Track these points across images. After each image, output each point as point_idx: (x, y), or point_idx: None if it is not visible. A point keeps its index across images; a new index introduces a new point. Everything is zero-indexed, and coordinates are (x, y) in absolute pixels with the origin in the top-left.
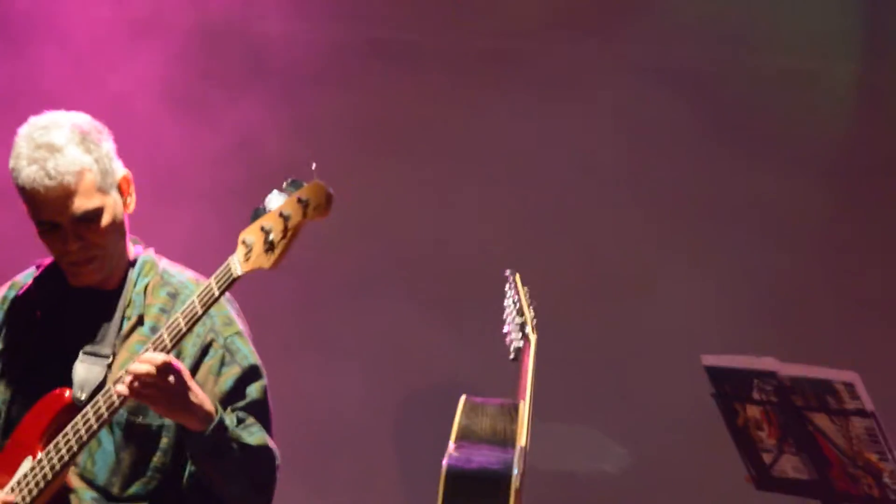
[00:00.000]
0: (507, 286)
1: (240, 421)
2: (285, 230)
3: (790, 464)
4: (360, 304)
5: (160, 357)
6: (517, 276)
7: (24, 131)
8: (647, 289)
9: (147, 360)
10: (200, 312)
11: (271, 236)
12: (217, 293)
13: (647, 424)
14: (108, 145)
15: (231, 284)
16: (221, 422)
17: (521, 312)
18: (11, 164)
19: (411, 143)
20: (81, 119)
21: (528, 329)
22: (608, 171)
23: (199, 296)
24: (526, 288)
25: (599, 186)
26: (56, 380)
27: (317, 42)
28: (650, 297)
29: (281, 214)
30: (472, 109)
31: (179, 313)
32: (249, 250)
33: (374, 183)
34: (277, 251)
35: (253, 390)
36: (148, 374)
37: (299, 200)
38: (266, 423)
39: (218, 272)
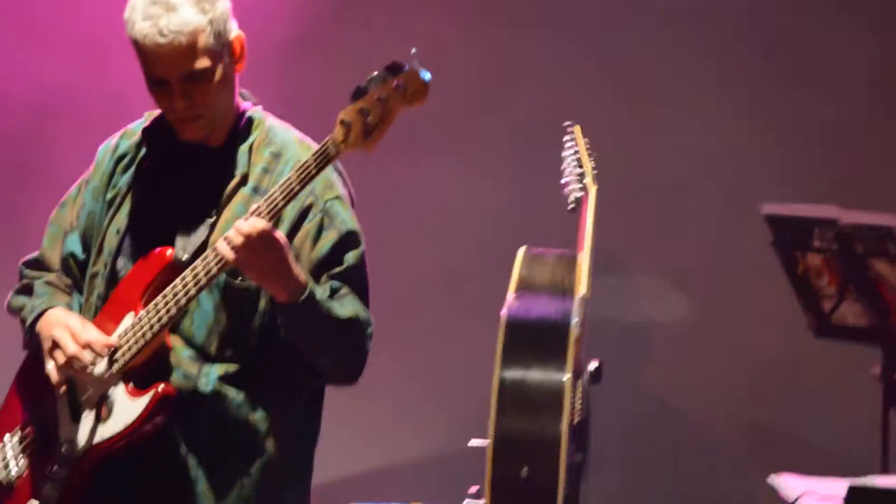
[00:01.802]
0: (567, 138)
1: (333, 291)
2: (384, 115)
3: (850, 311)
4: (415, 159)
5: (261, 224)
6: (577, 127)
7: None
8: (706, 142)
9: (248, 227)
10: (297, 188)
11: (370, 119)
12: (315, 171)
13: (708, 274)
14: (223, 5)
15: (327, 163)
16: (312, 294)
17: (580, 164)
18: (126, 14)
19: None
20: None
21: (588, 180)
22: (664, 18)
23: (294, 171)
24: (586, 139)
25: (657, 38)
26: (160, 236)
27: None
28: (709, 150)
29: (379, 99)
30: None
31: (277, 187)
32: (348, 131)
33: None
34: (375, 136)
35: (350, 256)
36: (248, 239)
37: (397, 86)
38: (361, 291)
39: (317, 150)
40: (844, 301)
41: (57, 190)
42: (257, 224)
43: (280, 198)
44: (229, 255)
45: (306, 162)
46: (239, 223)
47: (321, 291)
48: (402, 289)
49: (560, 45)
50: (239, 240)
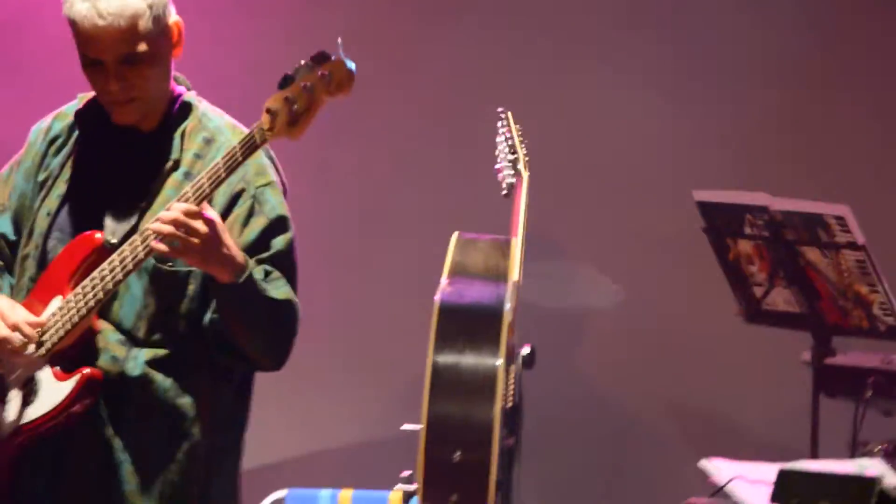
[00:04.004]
0: (500, 123)
1: (266, 274)
2: (310, 104)
3: (781, 297)
4: (349, 144)
5: (185, 206)
6: (510, 114)
7: None
8: (638, 128)
9: (171, 214)
10: (224, 175)
11: (295, 107)
12: (241, 158)
13: (639, 260)
14: None
15: (253, 151)
16: (251, 275)
17: (513, 150)
18: None
19: None
20: None
21: (521, 165)
22: (597, 11)
23: (222, 159)
24: (518, 126)
25: (589, 24)
26: (90, 219)
27: None
28: (641, 136)
29: (305, 87)
30: None
31: (205, 172)
32: (274, 119)
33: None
34: (300, 123)
35: (279, 242)
36: (174, 224)
37: (323, 76)
38: (290, 277)
39: (243, 137)
40: (775, 287)
41: None
42: (181, 207)
43: (207, 183)
44: (160, 246)
45: (233, 149)
46: (162, 213)
47: (258, 272)
48: (335, 275)
49: (494, 31)
50: (166, 228)
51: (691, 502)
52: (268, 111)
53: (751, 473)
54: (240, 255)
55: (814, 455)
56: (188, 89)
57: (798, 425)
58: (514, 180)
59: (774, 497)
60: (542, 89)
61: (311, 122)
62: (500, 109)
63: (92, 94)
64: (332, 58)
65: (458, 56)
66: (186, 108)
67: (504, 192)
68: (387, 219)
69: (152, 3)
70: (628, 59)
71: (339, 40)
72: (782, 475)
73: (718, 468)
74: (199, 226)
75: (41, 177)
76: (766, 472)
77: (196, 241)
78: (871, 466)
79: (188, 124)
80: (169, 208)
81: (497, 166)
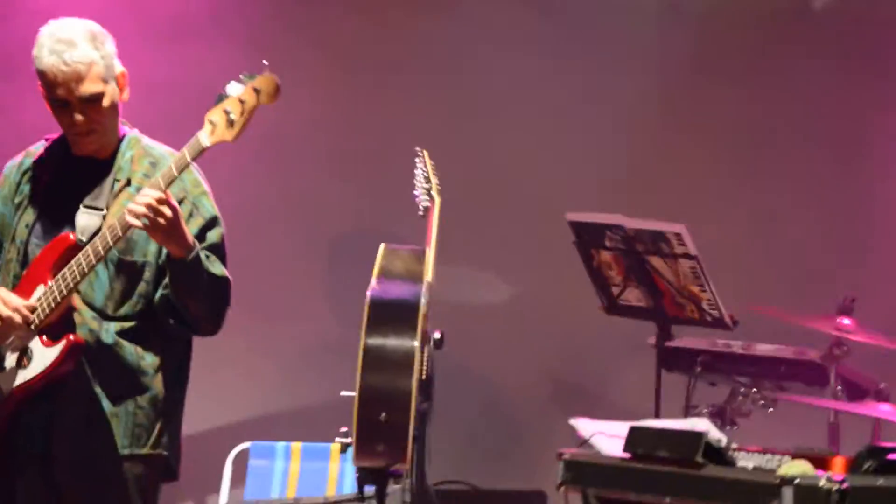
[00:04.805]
0: (417, 159)
1: (206, 257)
2: (243, 112)
3: (633, 295)
4: (293, 178)
5: (157, 193)
6: (426, 152)
7: (46, 30)
8: (525, 164)
9: (146, 196)
10: (175, 174)
11: (231, 116)
12: (189, 160)
13: (525, 266)
14: (111, 47)
15: (200, 153)
16: (198, 253)
17: (427, 180)
18: (35, 51)
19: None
20: (92, 24)
21: (434, 193)
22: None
23: (174, 162)
24: (432, 162)
25: (496, 80)
26: (62, 226)
27: None
28: (527, 170)
29: (240, 100)
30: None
31: (159, 175)
32: (215, 127)
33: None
34: (237, 127)
35: (212, 235)
36: (148, 205)
37: (254, 89)
38: (223, 261)
39: (189, 143)
40: (628, 287)
41: None
42: (154, 194)
43: (164, 181)
44: (135, 221)
45: (182, 153)
46: (139, 195)
47: (203, 253)
48: (289, 278)
49: (417, 85)
50: (140, 210)
51: (562, 451)
52: (209, 121)
53: (608, 430)
54: (191, 238)
55: (657, 415)
56: (131, 128)
57: (645, 393)
58: (428, 203)
59: (626, 448)
60: (452, 130)
61: (246, 126)
62: (416, 149)
63: (54, 136)
64: (263, 73)
65: (381, 101)
66: (132, 141)
67: (420, 212)
68: (331, 231)
69: (104, 55)
70: (529, 109)
71: (265, 62)
72: (632, 430)
73: (584, 426)
74: (166, 210)
75: (17, 199)
76: (620, 429)
77: (163, 221)
78: (699, 424)
79: (135, 152)
80: (142, 195)
81: (415, 192)
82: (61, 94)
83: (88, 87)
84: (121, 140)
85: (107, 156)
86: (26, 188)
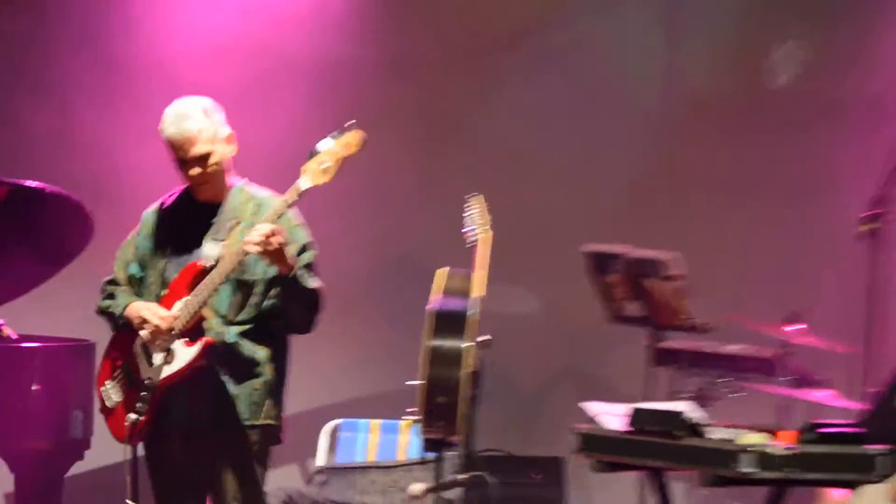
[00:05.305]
0: (471, 202)
1: (303, 274)
2: (334, 161)
3: (631, 307)
4: (380, 206)
5: (268, 227)
6: (481, 196)
7: (169, 109)
8: (553, 205)
9: (262, 229)
10: (280, 213)
11: (324, 166)
12: (290, 202)
13: (551, 285)
14: (219, 116)
15: (300, 197)
16: (297, 271)
17: (481, 218)
18: (161, 126)
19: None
20: (204, 100)
21: (485, 228)
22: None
23: (279, 204)
24: (486, 203)
25: (540, 136)
26: (191, 255)
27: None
28: (553, 208)
29: (331, 153)
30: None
31: (270, 212)
32: (311, 175)
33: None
34: (329, 174)
35: (307, 257)
36: (264, 235)
37: (345, 143)
38: (316, 278)
39: (290, 189)
40: (628, 301)
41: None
42: (265, 227)
43: (273, 216)
44: (253, 249)
45: (284, 199)
46: (254, 229)
47: (301, 271)
48: (369, 295)
49: (460, 144)
50: (258, 239)
51: (576, 426)
52: (307, 170)
53: (613, 410)
54: (293, 259)
55: (647, 399)
56: (241, 178)
57: (640, 383)
58: (478, 237)
59: (631, 424)
60: (490, 178)
61: (337, 172)
62: (470, 195)
63: (181, 188)
64: (352, 130)
65: (434, 155)
66: (240, 188)
67: (469, 244)
68: (405, 258)
69: (212, 122)
70: (554, 158)
71: (353, 121)
72: (636, 411)
73: (592, 407)
74: (275, 240)
75: (155, 237)
76: (619, 409)
77: (272, 248)
78: (681, 405)
79: (242, 197)
80: (257, 229)
81: (464, 229)
82: (180, 155)
83: (199, 149)
84: (231, 187)
85: (221, 200)
86: (162, 227)
